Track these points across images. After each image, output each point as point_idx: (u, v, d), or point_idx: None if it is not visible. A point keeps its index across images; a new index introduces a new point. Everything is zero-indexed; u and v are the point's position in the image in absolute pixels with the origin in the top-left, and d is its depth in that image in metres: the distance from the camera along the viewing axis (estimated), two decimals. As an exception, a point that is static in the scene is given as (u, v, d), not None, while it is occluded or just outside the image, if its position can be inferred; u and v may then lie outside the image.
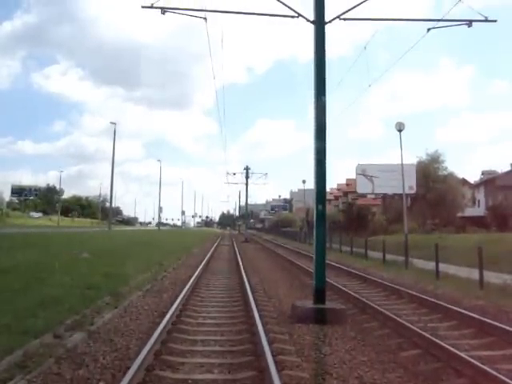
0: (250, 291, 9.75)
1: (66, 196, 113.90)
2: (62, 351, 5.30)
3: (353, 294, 10.27)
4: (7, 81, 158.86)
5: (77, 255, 15.13)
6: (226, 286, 11.82)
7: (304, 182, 55.51)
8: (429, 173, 42.24)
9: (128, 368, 4.64)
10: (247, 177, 47.39)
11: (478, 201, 60.30)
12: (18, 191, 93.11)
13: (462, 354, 5.49)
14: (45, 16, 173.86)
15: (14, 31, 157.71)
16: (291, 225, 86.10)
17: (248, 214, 66.53)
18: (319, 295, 7.83)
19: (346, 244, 26.14)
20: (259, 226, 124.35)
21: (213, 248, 27.42)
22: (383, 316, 7.91)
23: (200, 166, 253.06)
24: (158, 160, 77.51)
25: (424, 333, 6.52)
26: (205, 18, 8.40)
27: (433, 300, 9.36)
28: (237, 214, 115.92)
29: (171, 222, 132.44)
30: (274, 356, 5.19)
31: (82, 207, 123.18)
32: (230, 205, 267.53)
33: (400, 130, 18.92)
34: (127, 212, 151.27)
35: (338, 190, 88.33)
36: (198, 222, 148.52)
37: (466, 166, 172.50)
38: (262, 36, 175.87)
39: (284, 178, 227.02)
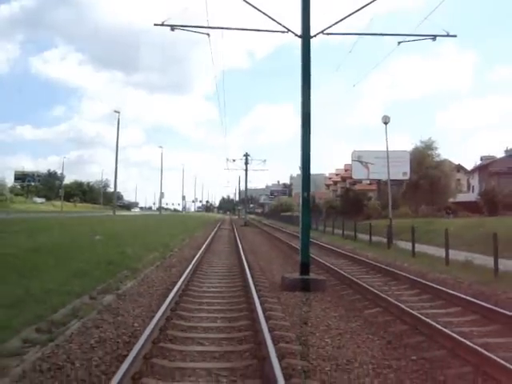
0: (247, 267, 11.32)
1: (67, 181, 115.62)
2: (100, 307, 6.89)
3: (337, 269, 11.83)
4: (6, 65, 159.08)
5: (91, 237, 16.71)
6: (226, 263, 13.43)
7: (300, 168, 56.81)
8: (423, 159, 43.62)
9: (153, 317, 6.20)
10: (246, 163, 48.81)
11: (473, 186, 61.76)
12: (20, 177, 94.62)
13: (414, 312, 7.03)
14: None
15: (12, 15, 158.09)
16: (290, 209, 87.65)
17: (248, 199, 68.15)
18: (304, 268, 9.40)
19: (341, 228, 27.74)
20: (259, 210, 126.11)
21: (214, 231, 29.06)
22: (358, 286, 9.49)
23: (200, 150, 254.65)
24: (160, 146, 79.00)
25: (389, 298, 8.08)
26: (208, 34, 9.83)
27: (404, 274, 10.95)
28: (237, 199, 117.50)
29: (171, 207, 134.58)
30: (264, 312, 6.74)
31: (84, 192, 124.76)
32: (230, 190, 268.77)
33: (386, 123, 20.33)
34: (128, 197, 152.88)
35: (337, 175, 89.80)
36: (199, 207, 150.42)
37: (467, 151, 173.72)
38: (263, 21, 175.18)
39: (284, 162, 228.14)
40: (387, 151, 22.70)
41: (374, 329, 6.52)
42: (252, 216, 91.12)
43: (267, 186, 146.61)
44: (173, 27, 9.48)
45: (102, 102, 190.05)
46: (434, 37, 9.83)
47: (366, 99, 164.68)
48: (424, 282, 9.77)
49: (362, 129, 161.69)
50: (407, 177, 43.03)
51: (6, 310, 5.76)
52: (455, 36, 9.82)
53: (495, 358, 4.67)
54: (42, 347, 4.84)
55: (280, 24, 9.82)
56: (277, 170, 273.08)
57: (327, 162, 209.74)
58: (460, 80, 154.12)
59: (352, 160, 44.56)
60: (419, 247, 15.68)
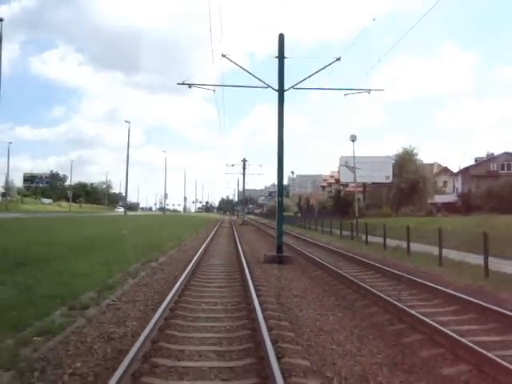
0: (241, 250, 15.78)
1: (72, 182, 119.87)
2: (150, 268, 11.38)
3: (305, 252, 16.29)
4: (6, 66, 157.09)
5: (120, 231, 21.20)
6: (225, 250, 17.92)
7: (293, 172, 61.27)
8: (404, 165, 48.18)
9: (181, 274, 10.61)
10: (244, 167, 53.22)
11: (457, 188, 66.23)
12: (29, 179, 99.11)
13: (341, 271, 11.43)
14: (43, 0, 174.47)
15: (13, 15, 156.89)
16: (287, 210, 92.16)
17: (247, 199, 72.51)
18: (279, 248, 13.92)
19: (330, 226, 32.12)
20: (258, 211, 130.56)
21: (215, 229, 33.57)
22: (314, 261, 13.94)
23: (200, 151, 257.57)
24: (164, 151, 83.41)
25: (330, 266, 12.47)
26: (214, 90, 14.35)
27: (349, 254, 15.42)
28: (236, 199, 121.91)
29: (171, 208, 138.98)
30: (250, 274, 11.16)
31: (87, 193, 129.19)
32: (229, 190, 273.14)
33: (353, 141, 24.77)
34: (128, 197, 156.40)
35: (332, 177, 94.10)
36: (199, 208, 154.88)
37: (464, 152, 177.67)
38: (264, 21, 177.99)
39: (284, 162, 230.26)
40: (354, 163, 26.96)
41: (314, 279, 11.01)
42: (251, 216, 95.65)
43: (266, 187, 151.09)
44: (190, 85, 14.01)
45: (101, 102, 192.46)
46: (368, 90, 14.35)
47: (365, 99, 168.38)
48: (359, 258, 14.23)
49: (362, 129, 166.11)
50: (390, 180, 47.57)
51: (107, 266, 10.24)
52: (383, 90, 14.31)
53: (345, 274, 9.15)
54: (134, 278, 9.38)
55: (263, 82, 14.34)
56: (275, 169, 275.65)
57: (323, 164, 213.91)
58: (460, 80, 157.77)
59: (340, 165, 49.01)
60: (378, 239, 20.04)
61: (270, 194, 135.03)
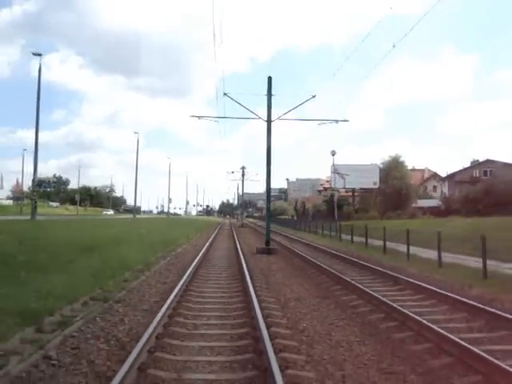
0: (239, 246, 19.98)
1: (72, 185, 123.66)
2: (170, 256, 15.61)
3: (292, 248, 20.48)
4: (7, 69, 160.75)
5: (137, 231, 25.42)
6: (226, 245, 22.15)
7: (287, 179, 65.44)
8: (390, 172, 52.38)
9: (193, 261, 14.79)
10: (243, 174, 57.45)
11: (445, 193, 70.45)
12: (38, 183, 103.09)
13: (315, 260, 15.62)
14: (44, 4, 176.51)
15: (14, 19, 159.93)
16: (285, 213, 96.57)
17: (246, 203, 76.67)
18: (267, 242, 18.22)
19: (316, 227, 36.34)
20: (257, 214, 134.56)
21: (216, 230, 37.81)
22: (295, 253, 18.15)
23: (201, 154, 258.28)
24: (168, 158, 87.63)
25: (307, 257, 16.64)
26: (217, 121, 18.61)
27: (325, 249, 19.61)
28: (236, 203, 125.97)
29: (172, 211, 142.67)
30: (245, 260, 15.35)
31: (91, 197, 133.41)
32: (230, 195, 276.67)
33: (333, 155, 29.00)
34: (130, 201, 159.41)
35: (328, 181, 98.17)
36: (200, 211, 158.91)
37: (464, 155, 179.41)
38: (265, 25, 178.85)
39: (283, 166, 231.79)
40: (332, 172, 31.07)
41: (289, 263, 15.25)
42: (250, 219, 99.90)
43: (265, 191, 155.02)
44: (199, 117, 18.31)
45: (102, 105, 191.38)
46: (336, 121, 18.62)
47: (367, 102, 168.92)
48: (331, 251, 18.41)
49: (364, 132, 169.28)
50: (377, 185, 51.81)
51: (142, 253, 14.44)
52: (347, 121, 18.58)
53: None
54: (164, 260, 13.65)
55: (254, 113, 18.63)
56: (275, 173, 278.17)
57: (321, 168, 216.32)
58: (459, 84, 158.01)
59: (331, 172, 53.28)
60: (356, 238, 24.16)
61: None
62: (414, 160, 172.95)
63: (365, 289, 9.07)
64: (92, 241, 15.81)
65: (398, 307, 7.28)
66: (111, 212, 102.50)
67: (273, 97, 18.24)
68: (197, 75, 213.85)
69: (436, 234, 13.66)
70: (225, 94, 18.51)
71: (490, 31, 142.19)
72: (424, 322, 6.25)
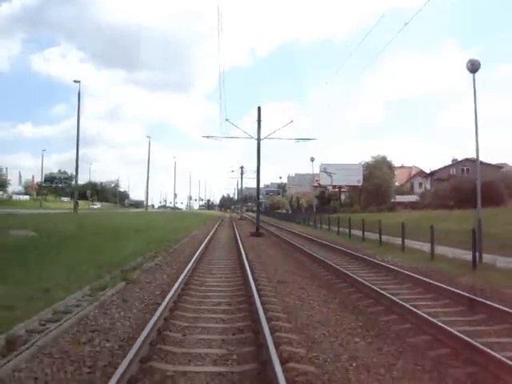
0: (237, 232, 26.41)
1: (79, 181, 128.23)
2: (187, 238, 22.13)
3: (278, 234, 26.86)
4: (7, 63, 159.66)
5: (154, 221, 31.86)
6: (227, 232, 28.66)
7: (280, 177, 72.02)
8: (373, 170, 58.81)
9: (197, 250, 21.19)
10: (242, 173, 63.75)
11: (428, 189, 76.66)
12: (50, 179, 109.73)
13: (298, 244, 22.05)
14: None
15: (14, 13, 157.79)
16: (282, 207, 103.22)
17: (246, 198, 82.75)
18: (257, 228, 24.75)
19: (304, 220, 42.78)
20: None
21: (218, 222, 44.36)
22: (281, 237, 24.54)
23: (201, 148, 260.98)
24: (174, 157, 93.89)
25: (291, 241, 22.97)
26: (221, 140, 25.02)
27: (306, 236, 26.03)
28: (236, 198, 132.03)
29: (172, 205, 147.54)
30: (241, 241, 21.71)
31: (97, 192, 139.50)
32: (230, 190, 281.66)
33: (312, 161, 35.33)
34: (132, 195, 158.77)
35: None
36: (201, 205, 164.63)
37: (466, 151, 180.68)
38: (265, 18, 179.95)
39: (283, 160, 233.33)
40: (315, 183, 37.43)
41: (274, 244, 21.67)
42: (250, 213, 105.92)
43: (265, 185, 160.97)
44: (208, 137, 24.74)
45: (103, 99, 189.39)
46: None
47: (366, 97, 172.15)
48: (309, 237, 24.75)
49: (364, 126, 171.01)
50: (360, 183, 58.24)
51: (169, 234, 20.94)
52: (316, 139, 24.87)
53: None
54: (186, 238, 20.19)
55: (247, 133, 25.09)
56: (276, 167, 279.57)
57: (317, 164, 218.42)
58: (460, 79, 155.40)
59: (320, 171, 59.66)
60: (334, 228, 30.40)
61: (267, 193, 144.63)
62: (406, 157, 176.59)
63: (306, 250, 15.58)
64: (134, 226, 22.29)
65: (326, 260, 13.79)
66: (96, 206, 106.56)
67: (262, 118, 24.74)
68: (198, 69, 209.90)
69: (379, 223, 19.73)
70: (226, 120, 24.90)
71: (490, 26, 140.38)
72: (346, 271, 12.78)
